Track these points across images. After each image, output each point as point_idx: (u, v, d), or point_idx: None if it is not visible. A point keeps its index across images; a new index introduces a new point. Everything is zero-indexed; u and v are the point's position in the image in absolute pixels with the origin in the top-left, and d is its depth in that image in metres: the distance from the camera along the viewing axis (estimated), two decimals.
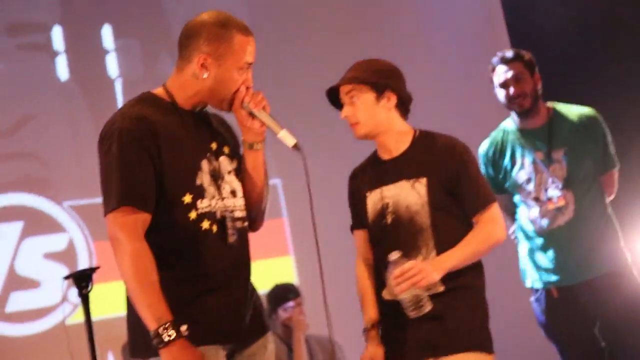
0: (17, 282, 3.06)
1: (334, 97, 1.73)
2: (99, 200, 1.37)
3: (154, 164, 1.32)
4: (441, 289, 1.59)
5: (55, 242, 3.18)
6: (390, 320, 1.67)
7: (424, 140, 1.71)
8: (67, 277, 1.56)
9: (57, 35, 3.37)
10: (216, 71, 1.37)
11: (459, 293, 1.63)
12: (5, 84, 3.29)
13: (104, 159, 1.32)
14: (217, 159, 1.42)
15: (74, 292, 1.59)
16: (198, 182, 1.37)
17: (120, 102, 3.28)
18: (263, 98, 1.41)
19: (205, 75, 1.36)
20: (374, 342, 1.68)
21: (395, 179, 1.67)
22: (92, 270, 1.49)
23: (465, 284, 1.64)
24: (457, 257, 1.60)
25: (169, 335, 1.20)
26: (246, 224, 1.44)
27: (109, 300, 2.88)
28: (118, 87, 3.48)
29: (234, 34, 1.38)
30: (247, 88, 1.39)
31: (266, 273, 3.24)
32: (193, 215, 1.34)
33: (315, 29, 3.88)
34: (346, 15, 3.92)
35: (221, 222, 1.37)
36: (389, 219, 1.66)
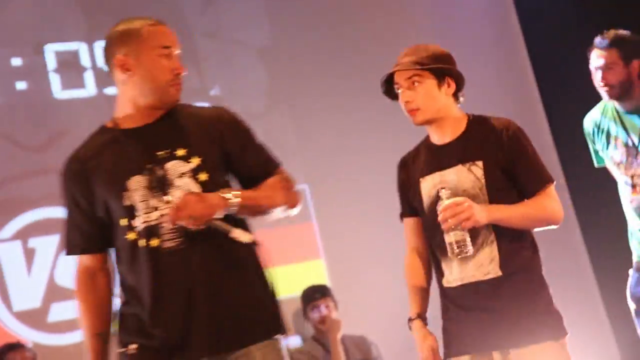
0: (58, 293, 3.17)
1: (387, 83, 1.68)
2: None
3: (88, 202, 1.40)
4: (495, 274, 1.55)
5: None
6: (449, 311, 1.64)
7: (478, 124, 1.68)
8: None
9: (84, 52, 3.51)
10: (138, 66, 1.37)
11: (516, 279, 1.58)
12: (36, 101, 3.42)
13: None
14: (162, 166, 1.38)
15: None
16: (126, 203, 1.37)
17: None
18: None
19: (129, 74, 1.38)
20: (421, 332, 1.66)
21: (452, 163, 1.64)
22: None
23: (522, 266, 1.59)
24: (508, 211, 1.57)
25: None
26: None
27: None
28: None
29: (142, 28, 1.39)
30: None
31: (298, 277, 3.34)
32: (132, 236, 1.35)
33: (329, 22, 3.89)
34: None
35: (156, 232, 1.34)
36: None
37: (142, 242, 1.34)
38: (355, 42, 3.82)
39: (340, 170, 3.52)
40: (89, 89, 3.48)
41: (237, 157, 1.43)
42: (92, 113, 3.50)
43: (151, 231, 1.35)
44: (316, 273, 3.56)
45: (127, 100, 1.41)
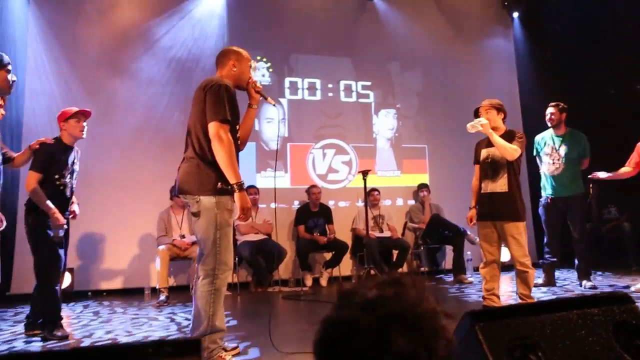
0: None
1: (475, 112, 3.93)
2: None
3: (235, 105, 2.69)
4: (505, 190, 3.71)
5: None
6: (482, 201, 3.84)
7: (507, 131, 3.81)
8: None
9: None
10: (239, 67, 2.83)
11: (510, 193, 3.69)
12: None
13: None
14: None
15: None
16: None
17: None
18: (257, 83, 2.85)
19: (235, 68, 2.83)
20: (472, 211, 3.85)
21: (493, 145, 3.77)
22: None
23: (514, 190, 3.70)
24: (498, 139, 3.69)
25: None
26: None
27: None
28: None
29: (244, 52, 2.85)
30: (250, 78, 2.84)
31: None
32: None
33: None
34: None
35: None
36: (489, 160, 3.83)
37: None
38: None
39: (458, 141, 6.48)
40: None
41: None
42: None
43: None
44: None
45: (231, 79, 2.73)
